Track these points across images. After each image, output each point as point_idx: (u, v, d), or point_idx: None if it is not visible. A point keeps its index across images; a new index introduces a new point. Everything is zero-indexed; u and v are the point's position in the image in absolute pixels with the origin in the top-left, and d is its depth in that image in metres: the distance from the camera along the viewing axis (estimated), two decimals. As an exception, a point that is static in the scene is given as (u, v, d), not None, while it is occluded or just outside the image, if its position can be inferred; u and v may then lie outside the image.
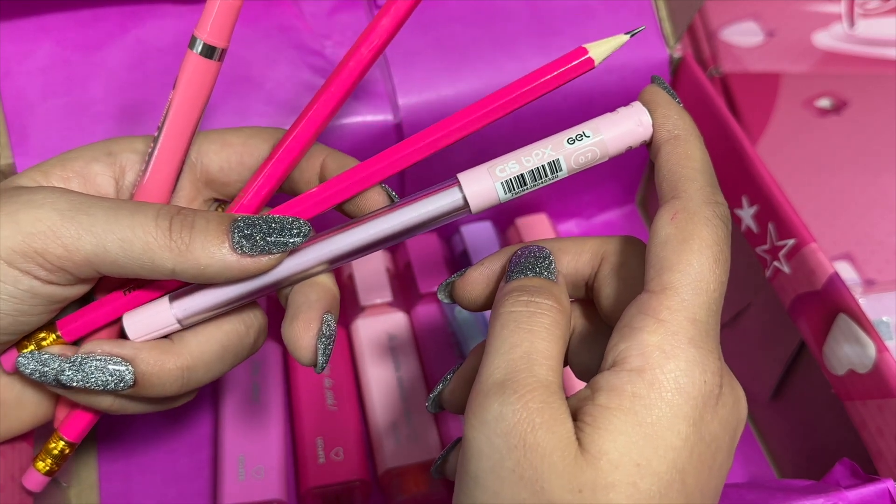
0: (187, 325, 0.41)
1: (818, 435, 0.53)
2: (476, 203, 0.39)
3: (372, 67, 0.57)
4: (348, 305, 0.65)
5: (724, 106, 0.58)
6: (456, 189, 0.40)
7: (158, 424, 0.61)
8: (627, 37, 0.39)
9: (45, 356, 0.39)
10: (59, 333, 0.41)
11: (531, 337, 0.34)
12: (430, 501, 0.57)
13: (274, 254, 0.38)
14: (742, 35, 0.82)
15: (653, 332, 0.32)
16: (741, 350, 0.61)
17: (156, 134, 0.41)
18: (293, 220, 0.38)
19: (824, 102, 0.78)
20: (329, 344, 0.40)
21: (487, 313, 0.64)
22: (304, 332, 0.39)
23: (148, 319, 0.41)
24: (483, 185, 0.39)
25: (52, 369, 0.39)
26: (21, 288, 0.37)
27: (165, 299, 0.41)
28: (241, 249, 0.37)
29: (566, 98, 0.59)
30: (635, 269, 0.38)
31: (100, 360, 0.39)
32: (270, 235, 0.38)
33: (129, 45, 0.56)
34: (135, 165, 0.43)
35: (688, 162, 0.36)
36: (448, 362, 0.62)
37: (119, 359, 0.40)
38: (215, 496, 0.57)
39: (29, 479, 0.45)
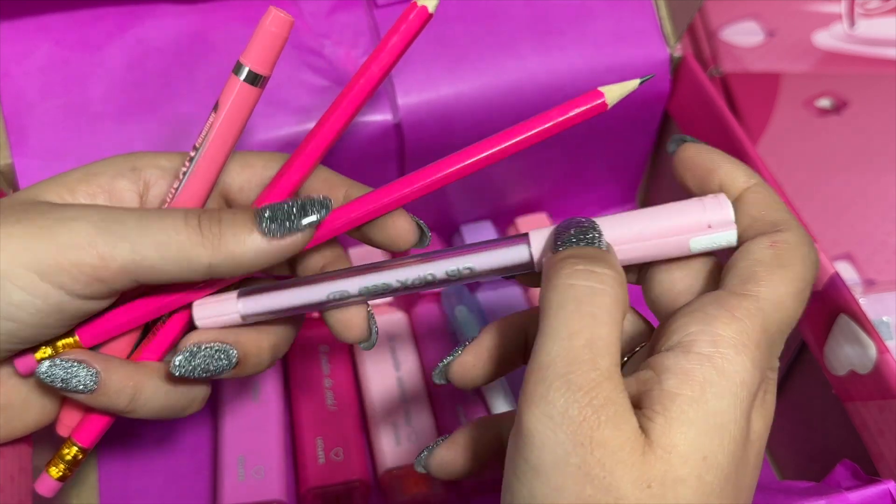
0: (247, 322, 0.42)
1: (819, 436, 0.53)
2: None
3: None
4: (348, 305, 0.65)
5: (725, 105, 0.58)
6: (524, 246, 0.39)
7: (158, 425, 0.61)
8: (639, 82, 0.40)
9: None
10: (77, 339, 0.42)
11: (593, 323, 0.33)
12: (429, 502, 0.57)
13: (303, 230, 0.39)
14: (742, 35, 0.82)
15: (727, 324, 0.33)
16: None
17: (192, 154, 0.41)
18: (314, 198, 0.39)
19: (824, 102, 0.78)
20: (375, 321, 0.43)
21: (488, 313, 0.64)
22: (356, 312, 0.42)
23: (215, 310, 0.42)
24: None
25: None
26: (50, 302, 0.38)
27: (234, 294, 0.42)
28: (271, 233, 0.38)
29: (567, 98, 0.58)
30: (700, 266, 0.39)
31: (209, 347, 0.41)
32: (295, 215, 0.39)
33: (128, 44, 0.56)
34: (158, 181, 0.43)
35: (779, 204, 0.37)
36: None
37: (226, 344, 0.41)
38: (215, 496, 0.57)
39: (41, 484, 0.45)
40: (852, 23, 0.82)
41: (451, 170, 0.42)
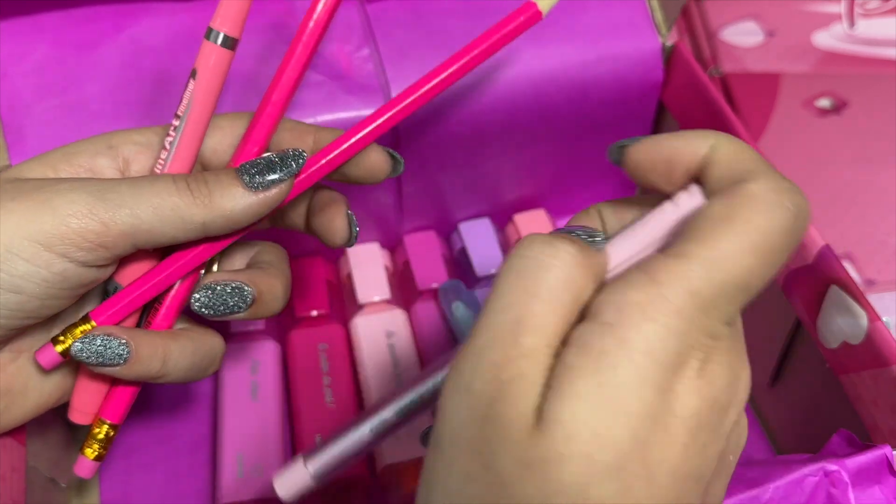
0: (321, 481, 0.42)
1: (818, 416, 0.53)
2: None
3: (365, 62, 0.58)
4: (347, 303, 0.65)
5: (717, 93, 0.58)
6: None
7: (158, 423, 0.61)
8: None
9: None
10: (94, 324, 0.43)
11: (527, 299, 0.30)
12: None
13: (285, 180, 0.41)
14: (742, 35, 0.82)
15: (640, 289, 0.29)
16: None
17: (175, 123, 0.43)
18: (289, 150, 0.42)
19: (824, 102, 0.78)
20: (355, 224, 0.47)
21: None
22: (336, 215, 0.46)
23: (291, 480, 0.42)
24: None
25: None
26: (54, 271, 0.39)
27: (300, 460, 0.42)
28: (256, 186, 0.41)
29: (561, 90, 0.59)
30: None
31: (227, 284, 0.43)
32: (274, 167, 0.41)
33: (123, 43, 0.57)
34: (137, 156, 0.45)
35: (747, 154, 0.32)
36: (447, 358, 0.62)
37: (240, 282, 0.44)
38: (214, 494, 0.56)
39: (80, 466, 0.46)
40: (852, 23, 0.83)
41: (411, 99, 0.45)
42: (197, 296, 0.43)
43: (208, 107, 0.43)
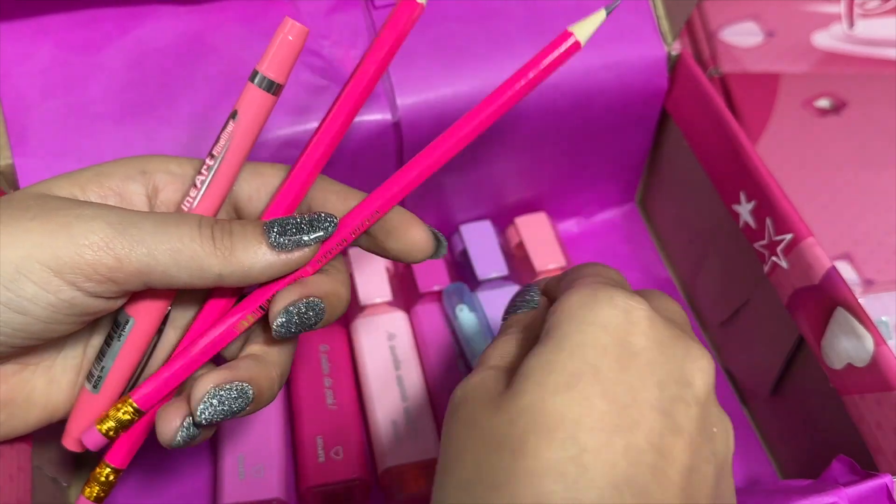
0: None
1: (819, 431, 0.53)
2: None
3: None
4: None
5: (723, 104, 0.58)
6: None
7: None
8: (605, 13, 0.41)
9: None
10: (135, 405, 0.42)
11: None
12: (428, 501, 0.57)
13: (310, 245, 0.40)
14: (741, 35, 0.82)
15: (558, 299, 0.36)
16: (740, 347, 0.61)
17: (210, 162, 0.42)
18: (321, 214, 0.41)
19: (824, 103, 0.78)
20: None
21: (491, 316, 0.64)
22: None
23: None
24: None
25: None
26: (61, 298, 0.38)
27: None
28: (280, 247, 0.40)
29: (565, 95, 0.59)
30: None
31: (228, 389, 0.41)
32: (303, 230, 0.40)
33: (127, 45, 0.56)
34: (168, 186, 0.43)
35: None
36: (448, 361, 0.62)
37: (242, 383, 0.42)
38: (215, 495, 0.57)
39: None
40: (851, 23, 0.82)
41: (443, 150, 0.42)
42: (201, 407, 0.41)
43: (244, 150, 0.42)
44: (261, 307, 0.42)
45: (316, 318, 0.42)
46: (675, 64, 0.61)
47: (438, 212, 0.67)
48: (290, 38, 0.40)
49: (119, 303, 0.41)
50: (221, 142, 0.42)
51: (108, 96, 0.55)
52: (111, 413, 0.42)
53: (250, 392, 0.41)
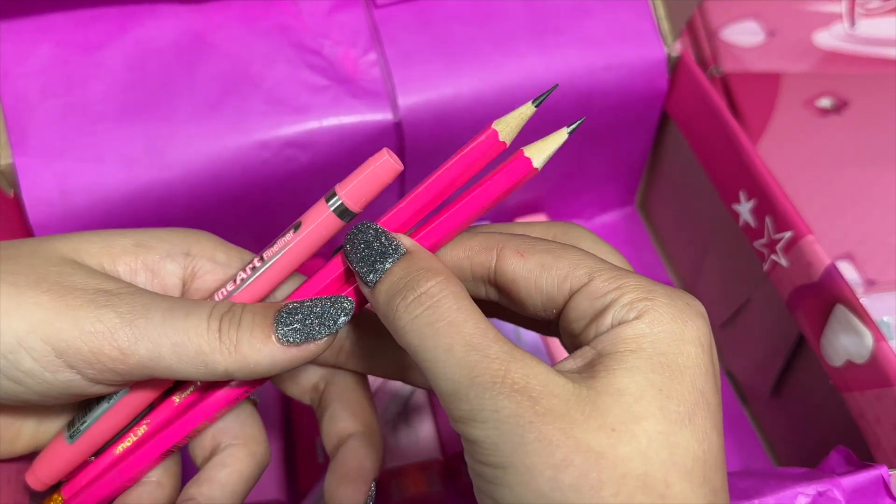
0: None
1: (818, 429, 0.53)
2: None
3: (371, 67, 0.58)
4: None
5: (724, 105, 0.58)
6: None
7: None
8: (566, 133, 0.36)
9: None
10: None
11: (454, 330, 0.33)
12: (428, 501, 0.57)
13: (320, 340, 0.38)
14: (743, 35, 0.82)
15: (625, 293, 0.34)
16: (741, 345, 0.61)
17: (257, 264, 0.40)
18: (335, 301, 0.38)
19: (825, 102, 0.78)
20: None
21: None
22: (354, 494, 0.40)
23: None
24: None
25: None
26: (59, 378, 0.37)
27: None
28: (287, 341, 0.37)
29: (565, 96, 0.59)
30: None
31: None
32: (314, 323, 0.37)
33: (128, 45, 0.56)
34: (206, 275, 0.42)
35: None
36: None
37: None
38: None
39: None
40: (853, 22, 0.82)
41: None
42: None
43: (296, 263, 0.40)
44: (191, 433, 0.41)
45: None
46: (675, 65, 0.61)
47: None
48: (380, 172, 0.38)
49: (118, 389, 0.40)
50: (276, 248, 0.40)
51: (109, 96, 0.55)
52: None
53: None
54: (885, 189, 0.72)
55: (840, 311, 0.47)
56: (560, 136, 0.36)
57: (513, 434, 0.31)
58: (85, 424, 0.42)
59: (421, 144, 0.59)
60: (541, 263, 0.36)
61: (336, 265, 0.39)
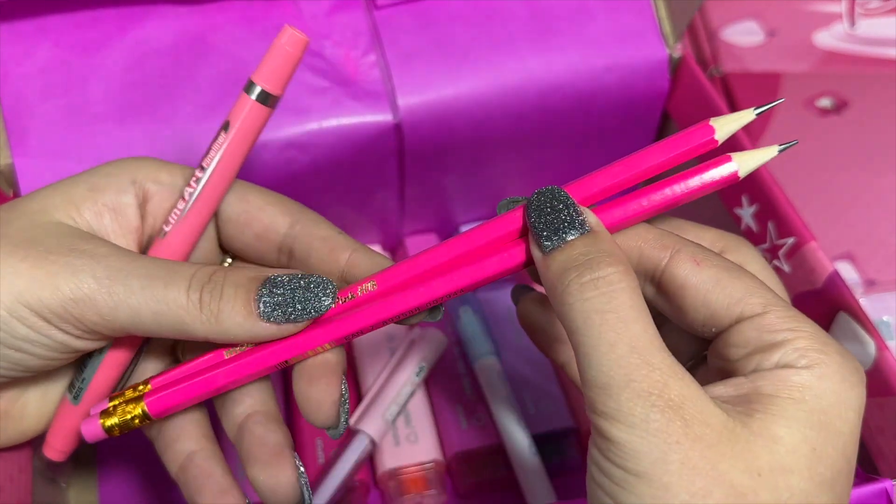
0: None
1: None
2: None
3: (372, 68, 0.57)
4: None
5: (725, 106, 0.58)
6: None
7: (158, 425, 0.61)
8: (776, 149, 0.37)
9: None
10: (146, 410, 0.40)
11: (624, 326, 0.32)
12: (428, 502, 0.57)
13: (300, 322, 0.38)
14: (743, 35, 0.82)
15: (800, 338, 0.33)
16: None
17: (199, 174, 0.41)
18: (319, 283, 0.38)
19: (825, 102, 0.78)
20: (347, 408, 0.41)
21: (489, 313, 0.64)
22: (327, 394, 0.40)
23: None
24: None
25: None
26: (56, 340, 0.38)
27: None
28: (268, 319, 0.37)
29: (566, 97, 0.59)
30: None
31: None
32: (297, 304, 0.37)
33: (127, 46, 0.56)
34: (156, 196, 0.43)
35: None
36: (449, 363, 0.62)
37: None
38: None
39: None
40: (853, 22, 0.82)
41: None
42: None
43: (236, 163, 0.41)
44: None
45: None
46: (676, 66, 0.61)
47: (439, 212, 0.67)
48: (289, 48, 0.38)
49: (109, 342, 0.41)
50: (212, 153, 0.40)
51: (108, 96, 0.55)
52: (119, 410, 0.40)
53: None
54: (886, 189, 0.72)
55: (843, 318, 0.46)
56: (770, 151, 0.37)
57: (657, 448, 0.30)
58: (84, 381, 0.42)
59: (421, 146, 0.59)
60: (716, 279, 0.35)
61: (513, 219, 0.38)
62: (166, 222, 0.42)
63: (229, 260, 0.46)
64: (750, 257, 0.40)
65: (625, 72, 0.59)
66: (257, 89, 0.39)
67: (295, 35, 0.38)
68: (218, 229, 0.45)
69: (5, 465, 0.46)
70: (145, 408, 0.40)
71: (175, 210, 0.41)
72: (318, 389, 0.40)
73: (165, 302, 0.37)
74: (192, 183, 0.41)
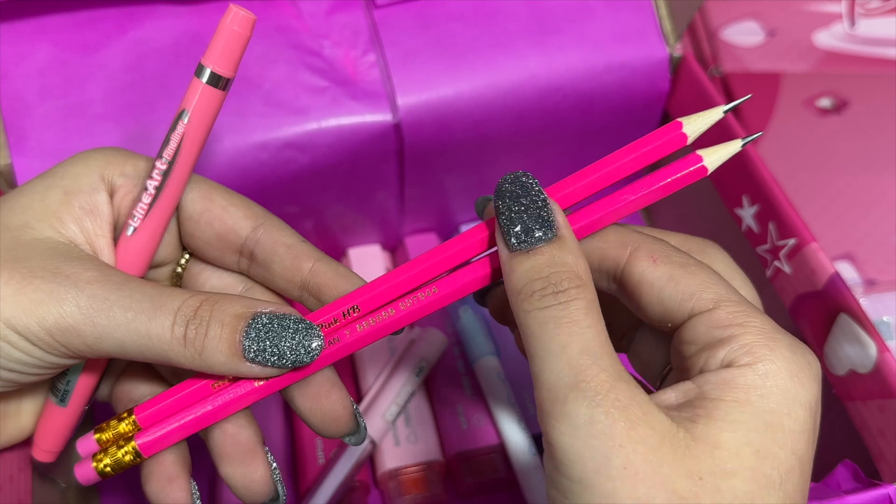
0: None
1: (822, 439, 0.53)
2: None
3: (371, 68, 0.57)
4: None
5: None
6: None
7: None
8: (739, 143, 0.38)
9: None
10: (137, 449, 0.40)
11: (578, 330, 0.32)
12: (428, 502, 0.57)
13: (284, 370, 0.38)
14: (743, 35, 0.82)
15: (747, 333, 0.33)
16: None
17: (162, 166, 0.40)
18: (307, 330, 0.37)
19: (825, 102, 0.78)
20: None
21: (491, 318, 0.64)
22: (340, 405, 0.40)
23: None
24: None
25: None
26: (46, 360, 0.38)
27: None
28: (253, 361, 0.37)
29: (566, 97, 0.59)
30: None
31: None
32: (283, 352, 0.37)
33: (126, 46, 0.56)
34: (121, 189, 0.42)
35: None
36: (450, 363, 0.62)
37: None
38: (214, 497, 0.56)
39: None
40: (853, 22, 0.82)
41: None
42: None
43: (196, 150, 0.40)
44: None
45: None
46: (677, 66, 0.61)
47: (439, 212, 0.67)
48: (236, 28, 0.37)
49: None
50: (172, 144, 0.40)
51: (107, 96, 0.55)
52: (111, 451, 0.40)
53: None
54: (885, 188, 0.72)
55: (844, 320, 0.46)
56: (734, 145, 0.37)
57: (599, 452, 0.30)
58: (70, 383, 0.42)
59: (420, 145, 0.59)
60: (670, 274, 0.36)
61: (480, 230, 0.39)
62: (131, 216, 0.41)
63: (186, 256, 0.45)
64: (718, 258, 0.40)
65: (625, 71, 0.59)
66: (207, 72, 0.38)
67: (240, 14, 0.37)
68: (179, 225, 0.44)
69: (5, 466, 0.46)
70: (136, 447, 0.40)
71: (140, 205, 0.41)
72: (330, 402, 0.40)
73: (149, 336, 0.37)
74: (156, 175, 0.40)
